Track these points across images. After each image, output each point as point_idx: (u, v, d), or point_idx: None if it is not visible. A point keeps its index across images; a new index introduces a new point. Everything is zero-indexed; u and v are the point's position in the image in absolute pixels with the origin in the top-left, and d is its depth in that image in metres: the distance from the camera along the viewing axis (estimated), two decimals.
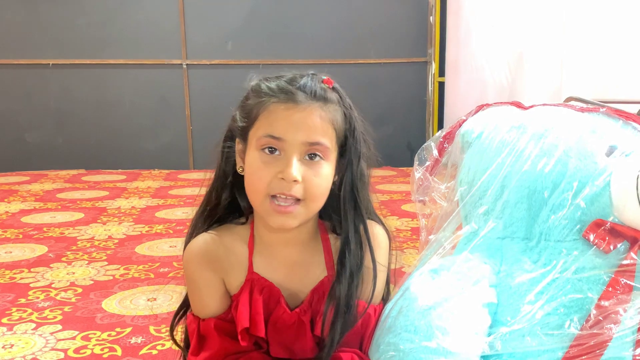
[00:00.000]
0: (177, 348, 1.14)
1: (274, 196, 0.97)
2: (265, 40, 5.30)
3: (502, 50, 4.34)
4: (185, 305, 1.10)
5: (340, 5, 5.44)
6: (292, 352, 1.03)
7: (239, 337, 1.00)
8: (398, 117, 5.53)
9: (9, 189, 4.29)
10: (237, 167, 1.03)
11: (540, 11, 3.82)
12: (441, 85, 5.49)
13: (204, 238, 1.05)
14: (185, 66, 5.29)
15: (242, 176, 1.02)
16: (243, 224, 1.07)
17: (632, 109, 2.25)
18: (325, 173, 0.99)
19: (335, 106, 1.01)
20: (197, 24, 5.27)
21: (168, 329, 1.14)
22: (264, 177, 0.96)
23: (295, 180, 0.95)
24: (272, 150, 0.97)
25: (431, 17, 5.55)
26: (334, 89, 1.03)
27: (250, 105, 1.00)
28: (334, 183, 1.03)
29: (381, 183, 4.35)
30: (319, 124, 0.98)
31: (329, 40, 5.45)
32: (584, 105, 1.27)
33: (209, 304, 1.05)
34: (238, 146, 1.03)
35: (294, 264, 1.05)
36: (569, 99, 2.80)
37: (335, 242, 1.07)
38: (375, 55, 5.54)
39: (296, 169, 0.95)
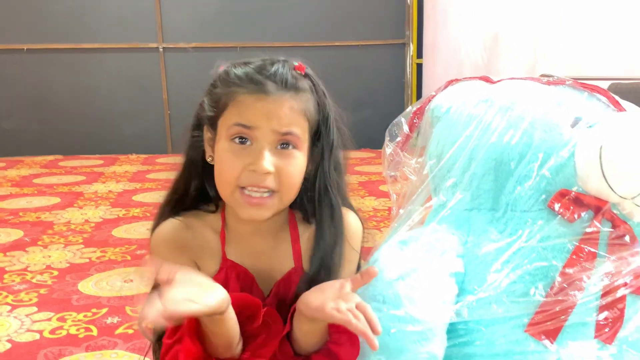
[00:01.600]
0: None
1: (243, 187, 0.94)
2: (243, 23, 5.27)
3: (478, 31, 4.36)
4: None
5: None
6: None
7: None
8: (377, 99, 5.54)
9: None
10: (207, 157, 1.00)
11: None
12: (419, 67, 5.51)
13: (172, 223, 1.02)
14: (161, 49, 5.25)
15: (212, 165, 0.99)
16: (213, 212, 1.05)
17: (603, 85, 2.28)
18: (298, 163, 0.96)
19: (308, 95, 0.98)
20: (173, 7, 5.23)
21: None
22: (234, 168, 0.93)
23: (267, 173, 0.92)
24: (242, 140, 0.93)
25: None
26: (306, 75, 1.00)
27: (218, 94, 0.97)
28: (307, 172, 1.01)
29: (360, 165, 4.37)
30: (290, 115, 0.94)
31: (307, 22, 5.43)
32: (551, 79, 1.29)
33: None
34: (207, 134, 1.00)
35: (263, 254, 1.04)
36: (542, 76, 2.84)
37: (304, 233, 1.05)
38: (353, 37, 5.53)
39: (268, 160, 0.92)
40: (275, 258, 1.04)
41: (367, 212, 3.10)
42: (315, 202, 1.02)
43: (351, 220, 1.07)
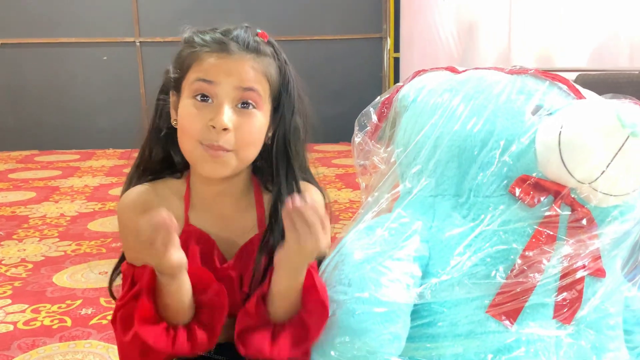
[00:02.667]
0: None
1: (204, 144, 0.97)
2: (219, 17, 5.16)
3: (452, 23, 4.41)
4: (122, 259, 1.10)
5: None
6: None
7: None
8: (354, 93, 5.57)
9: None
10: (172, 120, 1.02)
11: None
12: (396, 61, 5.55)
13: (139, 189, 1.04)
14: (138, 44, 5.24)
15: (176, 131, 1.01)
16: (178, 178, 1.07)
17: (573, 76, 2.33)
18: (257, 122, 0.99)
19: (269, 59, 1.01)
20: (150, 1, 5.22)
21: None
22: (195, 123, 0.96)
23: (225, 129, 0.95)
24: (204, 98, 0.96)
25: None
26: (268, 42, 1.04)
27: (183, 56, 1.00)
28: (267, 137, 1.04)
29: (337, 157, 4.39)
30: (252, 74, 0.98)
31: (285, 16, 5.45)
32: (514, 68, 1.32)
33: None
34: (172, 98, 1.03)
35: (227, 218, 1.06)
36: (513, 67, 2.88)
37: (268, 199, 1.08)
38: (331, 31, 5.56)
39: (227, 116, 0.95)
40: (239, 223, 1.06)
41: (343, 204, 3.13)
42: (274, 166, 1.05)
43: (312, 192, 1.10)
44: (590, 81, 1.96)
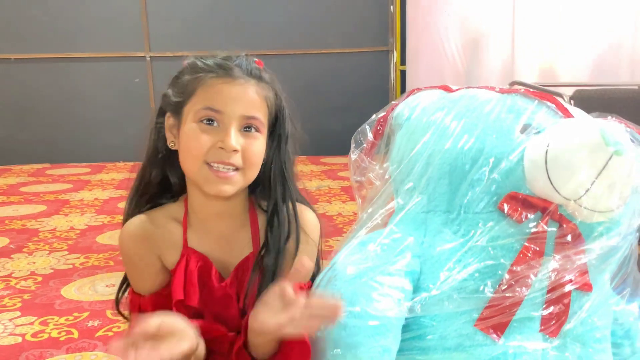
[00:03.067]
0: (124, 319, 1.18)
1: (210, 164, 1.02)
2: (228, 31, 5.34)
3: (457, 37, 4.45)
4: (125, 281, 1.15)
5: None
6: (224, 323, 1.08)
7: (174, 309, 1.04)
8: (361, 106, 5.59)
9: None
10: (169, 142, 1.07)
11: None
12: (403, 74, 5.59)
13: (140, 218, 1.08)
14: (148, 58, 5.31)
15: (174, 153, 1.06)
16: (175, 201, 1.12)
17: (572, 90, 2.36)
18: (259, 144, 1.06)
19: (268, 86, 1.08)
20: (160, 16, 5.29)
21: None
22: (203, 144, 1.00)
23: (234, 150, 1.01)
24: (210, 122, 1.02)
25: (392, 7, 5.63)
26: (265, 70, 1.10)
27: (185, 81, 1.05)
28: (264, 158, 1.09)
29: (343, 170, 4.43)
30: (255, 99, 1.04)
31: (292, 30, 5.51)
32: (505, 87, 1.36)
33: (146, 280, 1.09)
34: (169, 121, 1.07)
35: (223, 237, 1.11)
36: (513, 83, 2.91)
37: (262, 219, 1.12)
38: (338, 44, 5.61)
39: (235, 139, 1.01)
40: (235, 242, 1.10)
41: (347, 217, 3.16)
42: (271, 184, 1.11)
43: (307, 215, 1.15)
44: (587, 97, 1.99)
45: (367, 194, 1.40)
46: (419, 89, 1.45)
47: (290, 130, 1.13)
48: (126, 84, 5.31)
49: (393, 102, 1.46)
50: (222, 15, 5.36)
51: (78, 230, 2.97)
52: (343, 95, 5.49)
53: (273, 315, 0.94)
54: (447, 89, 1.39)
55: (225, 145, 1.00)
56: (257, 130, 1.05)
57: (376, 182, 1.38)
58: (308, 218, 1.16)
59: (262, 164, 1.09)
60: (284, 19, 5.48)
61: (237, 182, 1.04)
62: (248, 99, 1.03)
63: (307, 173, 4.38)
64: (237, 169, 1.03)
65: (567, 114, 1.26)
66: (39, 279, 2.26)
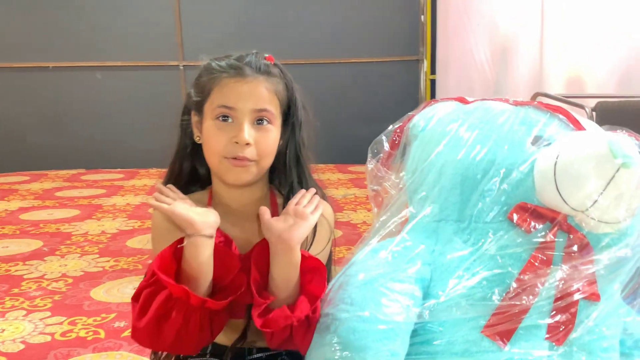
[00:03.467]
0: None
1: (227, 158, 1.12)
2: (260, 41, 5.38)
3: (487, 47, 4.45)
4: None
5: (333, 6, 5.55)
6: (234, 293, 1.13)
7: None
8: (391, 115, 5.55)
9: (9, 188, 4.44)
10: (195, 137, 1.18)
11: (521, 7, 3.93)
12: (433, 83, 5.60)
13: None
14: (182, 67, 5.41)
15: (200, 146, 1.16)
16: (203, 190, 1.23)
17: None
18: (272, 136, 1.15)
19: (278, 79, 1.17)
20: (194, 26, 5.39)
21: None
22: (220, 141, 1.11)
23: (247, 143, 1.11)
24: (225, 118, 1.12)
25: (422, 16, 5.65)
26: (275, 65, 1.19)
27: (203, 82, 1.15)
28: (280, 146, 1.19)
29: None
30: (265, 94, 1.14)
31: (323, 40, 5.56)
32: (519, 100, 1.38)
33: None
34: (194, 118, 1.18)
35: (246, 219, 1.20)
36: (536, 94, 2.92)
37: (282, 202, 1.21)
38: (369, 54, 5.65)
39: (247, 133, 1.11)
40: (257, 225, 1.18)
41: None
42: (287, 168, 1.22)
43: (322, 204, 1.21)
44: (610, 109, 2.00)
45: (382, 203, 1.43)
46: (435, 100, 1.48)
47: (303, 117, 1.23)
48: (160, 92, 5.41)
49: (410, 113, 1.49)
50: (254, 26, 5.44)
51: (109, 234, 3.05)
52: (373, 104, 5.52)
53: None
54: (463, 100, 1.41)
55: (239, 139, 1.11)
56: (269, 122, 1.15)
57: (392, 191, 1.41)
58: (323, 205, 1.22)
59: (278, 150, 1.19)
60: (316, 29, 5.54)
61: (253, 171, 1.14)
62: (258, 94, 1.13)
63: (333, 181, 4.42)
64: (251, 160, 1.13)
65: (578, 126, 1.28)
66: (70, 280, 2.34)
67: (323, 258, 1.22)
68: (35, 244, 2.88)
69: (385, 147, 1.47)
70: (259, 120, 1.14)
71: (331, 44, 5.59)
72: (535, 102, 1.36)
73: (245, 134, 1.11)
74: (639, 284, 1.26)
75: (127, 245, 2.85)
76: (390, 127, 1.50)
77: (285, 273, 1.12)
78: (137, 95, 5.42)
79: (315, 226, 1.20)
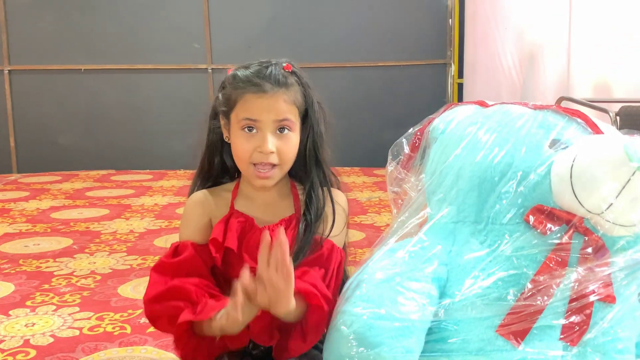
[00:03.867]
0: None
1: (254, 164, 1.25)
2: (287, 44, 5.46)
3: (514, 51, 4.44)
4: None
5: (360, 9, 5.58)
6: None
7: (210, 245, 1.24)
8: (418, 119, 5.57)
9: (41, 187, 4.54)
10: (225, 137, 1.30)
11: (548, 12, 3.92)
12: (460, 87, 5.60)
13: (203, 192, 1.33)
14: (210, 70, 5.48)
15: (228, 143, 1.30)
16: (231, 181, 1.36)
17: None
18: (292, 142, 1.28)
19: (295, 87, 1.28)
20: (222, 30, 5.46)
21: None
22: (246, 150, 1.25)
23: (271, 152, 1.23)
24: (250, 129, 1.25)
25: (450, 20, 5.66)
26: (292, 72, 1.29)
27: (228, 93, 1.27)
28: (301, 143, 1.31)
29: None
30: (284, 105, 1.26)
31: (351, 43, 5.59)
32: (538, 103, 1.40)
33: (193, 232, 1.28)
34: (222, 121, 1.30)
35: (268, 204, 1.33)
36: (561, 98, 2.91)
37: (301, 191, 1.34)
38: (396, 57, 5.66)
39: (271, 143, 1.24)
40: (279, 208, 1.33)
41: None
42: (307, 165, 1.33)
43: (338, 193, 1.37)
44: (634, 113, 1.99)
45: (402, 205, 1.45)
46: (455, 104, 1.50)
47: (320, 116, 1.34)
48: (188, 95, 5.49)
49: (430, 116, 1.51)
50: (282, 29, 5.50)
51: (137, 234, 3.11)
52: (401, 107, 5.53)
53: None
54: (482, 104, 1.43)
55: (263, 149, 1.24)
56: (290, 129, 1.27)
57: (411, 193, 1.43)
58: (338, 194, 1.37)
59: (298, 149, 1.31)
60: (344, 33, 5.57)
61: (276, 176, 1.28)
62: (278, 107, 1.25)
63: (358, 184, 4.45)
64: (274, 165, 1.26)
65: (596, 130, 1.29)
66: (98, 277, 2.40)
67: (339, 242, 1.32)
68: (65, 242, 2.95)
69: (405, 150, 1.49)
70: (280, 129, 1.26)
71: (359, 47, 5.61)
72: (554, 106, 1.37)
73: (268, 144, 1.23)
74: None
75: (154, 244, 2.91)
76: (411, 129, 1.52)
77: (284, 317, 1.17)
78: (166, 98, 5.50)
79: (334, 213, 1.32)
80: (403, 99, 5.62)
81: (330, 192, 1.35)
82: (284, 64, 1.29)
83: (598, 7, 3.45)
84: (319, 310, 1.17)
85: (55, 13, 5.33)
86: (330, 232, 1.30)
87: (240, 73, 1.28)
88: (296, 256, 1.24)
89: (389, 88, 5.61)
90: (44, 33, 5.35)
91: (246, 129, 1.25)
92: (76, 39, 5.37)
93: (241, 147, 1.25)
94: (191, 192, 1.36)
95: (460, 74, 5.55)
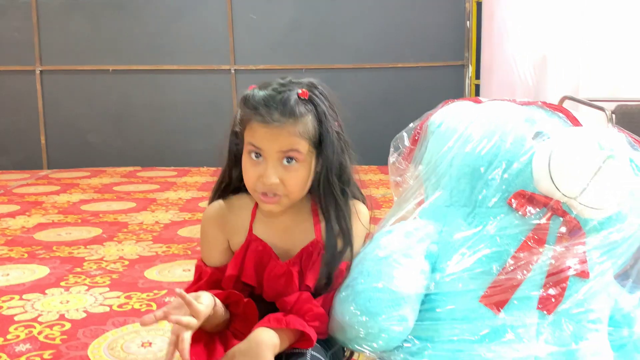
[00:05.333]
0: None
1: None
2: (308, 46, 5.61)
3: (528, 53, 4.54)
4: None
5: (380, 11, 5.69)
6: (280, 295, 1.29)
7: (224, 281, 1.28)
8: None
9: (71, 182, 4.74)
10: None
11: (561, 16, 4.03)
12: (477, 88, 5.69)
13: (219, 204, 1.32)
14: (233, 71, 5.63)
15: None
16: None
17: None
18: (299, 174, 1.23)
19: (306, 118, 1.22)
20: (245, 32, 5.61)
21: None
22: (252, 177, 1.22)
23: (272, 184, 1.20)
24: (257, 155, 1.22)
25: (468, 22, 5.75)
26: (310, 99, 1.23)
27: (242, 114, 1.24)
28: (317, 173, 1.26)
29: None
30: (289, 137, 1.20)
31: (370, 45, 5.71)
32: (524, 100, 1.53)
33: (213, 255, 1.32)
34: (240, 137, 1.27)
35: (287, 229, 1.31)
36: (564, 98, 3.03)
37: (323, 224, 1.31)
38: (415, 59, 5.76)
39: (272, 174, 1.20)
40: (299, 234, 1.30)
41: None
42: (322, 191, 1.28)
43: (360, 208, 1.36)
44: (629, 111, 2.11)
45: (402, 192, 1.59)
46: (452, 100, 1.64)
47: (337, 148, 1.28)
48: (212, 95, 5.65)
49: (428, 112, 1.65)
50: (304, 31, 5.63)
51: (162, 224, 3.29)
52: (418, 108, 5.57)
53: None
54: (476, 100, 1.57)
55: (264, 180, 1.20)
56: (297, 160, 1.21)
57: (410, 181, 1.57)
58: (361, 211, 1.36)
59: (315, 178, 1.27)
60: (364, 35, 5.68)
61: (283, 203, 1.24)
62: (284, 138, 1.19)
63: (375, 182, 4.59)
64: (279, 195, 1.22)
65: (576, 123, 1.42)
66: (126, 262, 2.58)
67: (357, 251, 1.34)
68: (95, 231, 3.14)
69: (406, 143, 1.63)
70: (288, 159, 1.21)
71: (379, 48, 5.73)
72: (539, 102, 1.50)
73: (270, 176, 1.19)
74: (629, 266, 1.39)
75: (178, 234, 3.08)
76: (411, 124, 1.65)
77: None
78: (190, 98, 5.66)
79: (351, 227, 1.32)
80: (421, 99, 5.71)
81: (348, 226, 1.31)
82: (300, 90, 1.22)
83: (609, 13, 3.55)
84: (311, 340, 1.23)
85: (85, 16, 5.53)
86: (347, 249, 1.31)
87: (254, 95, 1.22)
88: (318, 287, 1.27)
89: (408, 89, 5.72)
90: (74, 35, 5.54)
91: (253, 155, 1.21)
92: (105, 40, 5.56)
93: (247, 174, 1.23)
94: (211, 200, 1.34)
95: (478, 75, 5.65)
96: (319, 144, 1.25)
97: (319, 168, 1.27)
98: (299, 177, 1.23)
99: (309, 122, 1.22)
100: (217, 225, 1.31)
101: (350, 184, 1.35)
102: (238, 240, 1.31)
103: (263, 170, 1.21)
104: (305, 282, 1.29)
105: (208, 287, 1.27)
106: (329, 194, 1.29)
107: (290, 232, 1.31)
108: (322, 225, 1.31)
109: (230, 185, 1.34)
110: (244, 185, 1.29)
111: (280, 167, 1.21)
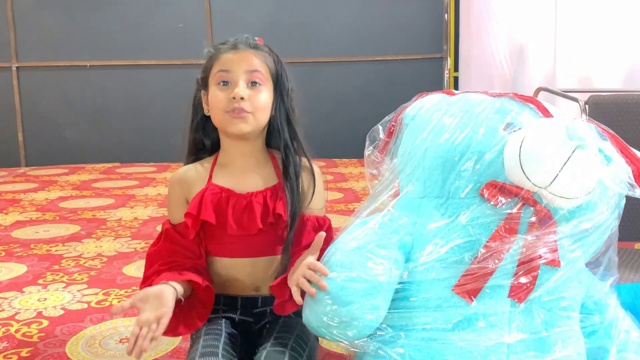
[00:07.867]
0: None
1: (228, 111, 1.37)
2: (288, 40, 5.60)
3: (506, 45, 4.58)
4: None
5: (359, 5, 5.71)
6: (244, 229, 1.40)
7: (185, 219, 1.39)
8: None
9: (49, 179, 4.71)
10: (205, 111, 1.44)
11: (537, 7, 4.06)
12: (456, 80, 5.72)
13: (183, 168, 1.48)
14: None
15: (208, 120, 1.43)
16: (210, 155, 1.49)
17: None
18: (264, 94, 1.41)
19: (266, 54, 1.45)
20: (223, 26, 5.60)
21: None
22: (221, 100, 1.37)
23: (242, 98, 1.36)
24: (225, 83, 1.38)
25: (446, 15, 5.78)
26: (265, 45, 1.47)
27: (206, 63, 1.44)
28: (272, 110, 1.43)
29: None
30: (255, 60, 1.41)
31: (349, 38, 5.72)
32: (496, 92, 1.55)
33: (174, 211, 1.45)
34: (203, 97, 1.45)
35: (249, 172, 1.45)
36: (539, 89, 3.05)
37: (279, 157, 1.47)
38: (393, 52, 5.79)
39: (242, 89, 1.37)
40: (259, 175, 1.45)
41: None
42: (280, 128, 1.45)
43: (315, 167, 1.51)
44: (602, 102, 2.13)
45: (376, 184, 1.61)
46: (426, 93, 1.65)
47: (290, 87, 1.48)
48: (191, 89, 5.60)
49: (403, 105, 1.66)
50: (280, 24, 5.63)
51: (141, 221, 3.28)
52: (398, 100, 5.59)
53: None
54: (449, 92, 1.58)
55: (235, 94, 1.36)
56: (261, 83, 1.40)
57: (386, 174, 1.58)
58: (316, 170, 1.50)
59: (271, 115, 1.43)
60: (343, 28, 5.70)
61: (251, 122, 1.39)
62: (249, 59, 1.40)
63: (355, 174, 4.60)
64: (248, 112, 1.37)
65: (547, 114, 1.44)
66: (105, 259, 2.57)
67: (324, 208, 1.51)
68: (73, 228, 3.12)
69: (381, 135, 1.64)
70: (252, 83, 1.39)
71: (357, 42, 5.75)
72: (511, 94, 1.52)
73: (240, 89, 1.36)
74: (600, 254, 1.42)
75: (157, 230, 3.08)
76: (386, 117, 1.66)
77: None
78: (169, 93, 5.64)
79: (314, 183, 1.48)
80: (400, 92, 5.69)
81: (309, 160, 1.48)
82: (257, 38, 1.46)
83: (582, 4, 3.59)
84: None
85: (61, 11, 5.48)
86: (312, 199, 1.46)
87: (218, 44, 1.45)
88: (291, 225, 1.41)
89: (387, 82, 5.74)
90: (50, 30, 5.50)
91: (221, 83, 1.38)
92: (82, 36, 5.52)
93: (216, 98, 1.38)
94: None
95: (456, 67, 5.68)
96: (276, 80, 1.44)
97: (276, 104, 1.44)
98: (263, 96, 1.40)
99: (267, 57, 1.44)
100: (178, 186, 1.45)
101: (297, 138, 1.48)
102: (197, 190, 1.42)
103: (232, 91, 1.36)
104: (277, 211, 1.40)
105: (166, 244, 1.43)
106: (286, 125, 1.47)
107: (251, 175, 1.45)
108: (281, 168, 1.45)
109: (193, 151, 1.50)
110: (204, 151, 1.48)
111: (246, 88, 1.38)
